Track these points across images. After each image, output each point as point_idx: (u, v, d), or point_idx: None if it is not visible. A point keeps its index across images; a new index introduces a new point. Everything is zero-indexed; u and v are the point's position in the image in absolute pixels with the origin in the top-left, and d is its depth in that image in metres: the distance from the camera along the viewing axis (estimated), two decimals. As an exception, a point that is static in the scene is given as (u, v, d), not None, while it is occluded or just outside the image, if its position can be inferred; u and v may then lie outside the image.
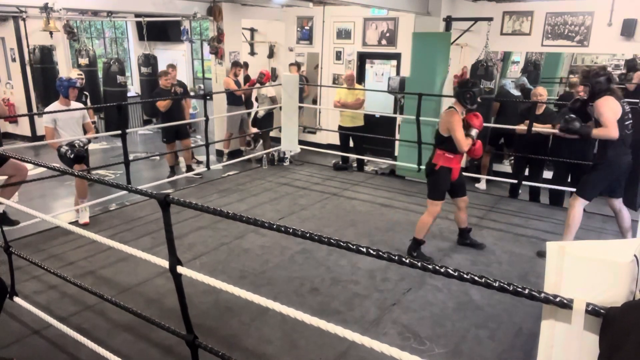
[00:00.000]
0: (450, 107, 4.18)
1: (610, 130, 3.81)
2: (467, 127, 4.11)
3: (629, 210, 4.71)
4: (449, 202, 5.63)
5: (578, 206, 4.19)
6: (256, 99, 8.77)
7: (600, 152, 4.12)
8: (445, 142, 4.14)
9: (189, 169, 7.34)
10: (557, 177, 5.78)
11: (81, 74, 7.04)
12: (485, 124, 6.43)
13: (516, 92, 7.13)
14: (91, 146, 5.62)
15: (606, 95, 3.86)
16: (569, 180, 5.71)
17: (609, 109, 3.83)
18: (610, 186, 4.17)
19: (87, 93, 7.28)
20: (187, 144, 7.35)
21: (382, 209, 5.59)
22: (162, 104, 6.81)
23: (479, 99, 4.08)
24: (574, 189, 5.53)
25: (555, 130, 5.55)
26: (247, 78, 8.68)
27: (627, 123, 3.95)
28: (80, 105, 5.46)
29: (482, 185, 7.04)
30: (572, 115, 4.16)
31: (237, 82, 7.88)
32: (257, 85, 8.00)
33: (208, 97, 8.18)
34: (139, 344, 3.05)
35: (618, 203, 4.36)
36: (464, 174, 7.27)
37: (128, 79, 9.70)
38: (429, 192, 4.31)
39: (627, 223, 4.32)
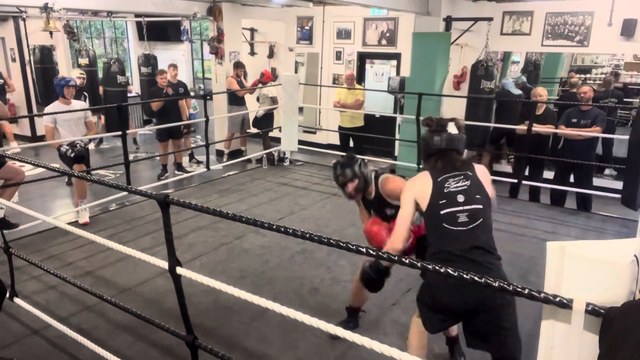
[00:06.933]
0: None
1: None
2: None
3: (628, 210, 4.72)
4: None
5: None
6: (257, 99, 8.77)
7: None
8: None
9: (179, 167, 7.34)
10: (559, 176, 5.79)
11: (83, 74, 7.02)
12: (485, 124, 6.45)
13: (517, 91, 7.10)
14: (91, 146, 5.62)
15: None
16: (571, 180, 5.71)
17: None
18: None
19: (86, 94, 7.25)
20: (178, 143, 7.35)
21: (382, 209, 5.58)
22: (155, 105, 6.85)
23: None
24: (576, 189, 5.60)
25: (556, 130, 5.56)
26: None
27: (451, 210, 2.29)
28: (81, 104, 5.46)
29: None
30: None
31: (239, 82, 7.88)
32: (259, 85, 7.99)
33: (208, 97, 8.18)
34: (138, 344, 3.05)
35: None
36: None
37: (128, 79, 9.68)
38: None
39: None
